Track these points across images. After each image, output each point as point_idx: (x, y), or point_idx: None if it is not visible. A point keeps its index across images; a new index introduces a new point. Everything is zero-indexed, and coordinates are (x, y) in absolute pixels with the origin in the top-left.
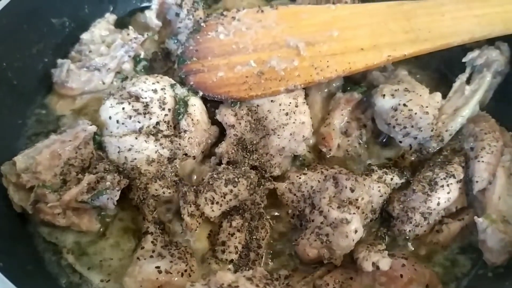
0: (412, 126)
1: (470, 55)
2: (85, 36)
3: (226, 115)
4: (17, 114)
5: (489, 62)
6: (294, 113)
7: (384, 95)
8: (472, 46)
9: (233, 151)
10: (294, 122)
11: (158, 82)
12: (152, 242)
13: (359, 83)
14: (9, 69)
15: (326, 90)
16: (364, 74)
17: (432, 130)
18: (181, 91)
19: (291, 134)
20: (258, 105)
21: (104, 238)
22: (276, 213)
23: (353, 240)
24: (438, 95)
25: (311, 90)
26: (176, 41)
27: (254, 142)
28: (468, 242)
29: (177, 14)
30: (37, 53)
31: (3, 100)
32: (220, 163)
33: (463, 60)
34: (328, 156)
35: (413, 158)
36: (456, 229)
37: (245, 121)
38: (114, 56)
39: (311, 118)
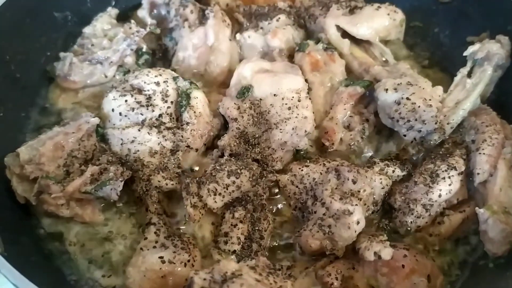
0: (416, 119)
1: (471, 49)
2: (87, 30)
3: (229, 108)
4: (20, 107)
5: (490, 55)
6: (297, 107)
7: (386, 89)
8: (473, 40)
9: (235, 144)
10: (296, 117)
11: (160, 75)
12: (155, 233)
13: (361, 77)
14: (12, 62)
15: (329, 85)
16: (367, 69)
17: (436, 123)
18: (183, 83)
19: (293, 128)
20: (261, 99)
21: (107, 230)
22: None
23: (355, 231)
24: (439, 89)
25: (314, 85)
26: (171, 39)
27: (257, 135)
28: (469, 234)
29: (168, 12)
30: (39, 46)
31: (6, 93)
32: (222, 156)
33: (464, 54)
34: (330, 150)
35: (414, 151)
36: (457, 221)
37: (248, 115)
38: (117, 50)
39: (313, 112)
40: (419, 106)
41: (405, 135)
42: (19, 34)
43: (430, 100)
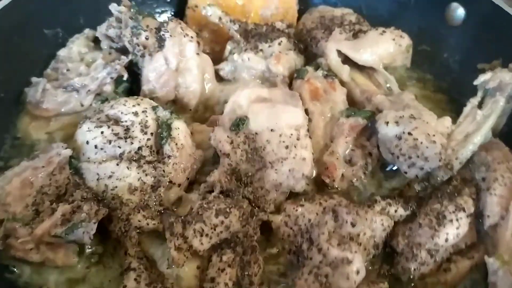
0: (418, 156)
1: (482, 78)
2: (62, 52)
3: (221, 142)
4: (3, 128)
5: (502, 85)
6: (295, 147)
7: (387, 122)
8: (484, 67)
9: (225, 180)
10: (294, 158)
11: (138, 104)
12: (135, 279)
13: (363, 106)
14: None
15: (329, 115)
16: (369, 97)
17: (439, 160)
18: (163, 113)
19: (289, 170)
20: (256, 133)
21: (88, 273)
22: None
23: (355, 282)
24: (447, 120)
25: (313, 115)
26: (138, 69)
27: (249, 174)
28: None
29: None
30: (27, 65)
31: None
32: (210, 192)
33: (475, 83)
34: (330, 188)
35: (420, 188)
36: (465, 268)
37: (241, 150)
38: (95, 77)
39: (313, 146)
40: (421, 142)
41: (406, 172)
42: (5, 52)
43: (434, 136)
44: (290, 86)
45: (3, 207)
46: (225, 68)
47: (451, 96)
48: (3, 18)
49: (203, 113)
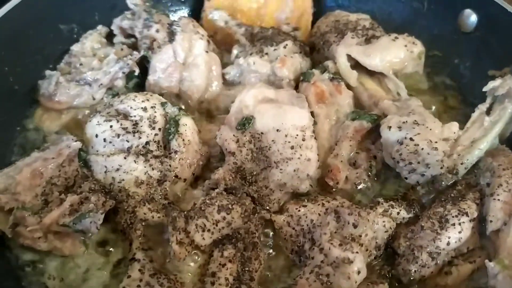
0: (419, 162)
1: (491, 84)
2: (75, 47)
3: (227, 140)
4: (16, 120)
5: (511, 92)
6: (300, 147)
7: (390, 127)
8: (495, 74)
9: (230, 178)
10: (299, 158)
11: (148, 100)
12: (139, 270)
13: (370, 110)
14: (11, 74)
15: (334, 118)
16: (376, 102)
17: (441, 168)
18: (171, 109)
19: (294, 170)
20: (262, 133)
21: (89, 264)
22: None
23: (356, 282)
24: (455, 125)
25: (319, 118)
26: (147, 62)
27: (254, 173)
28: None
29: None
30: (41, 59)
31: (2, 104)
32: (213, 189)
33: (484, 89)
34: (334, 190)
35: (424, 191)
36: (466, 272)
37: (247, 149)
38: (108, 72)
39: (318, 148)
40: (422, 149)
41: (406, 178)
42: (20, 46)
43: (436, 142)
44: (296, 89)
45: (13, 196)
46: (231, 72)
47: (461, 102)
48: (21, 12)
49: (211, 112)
